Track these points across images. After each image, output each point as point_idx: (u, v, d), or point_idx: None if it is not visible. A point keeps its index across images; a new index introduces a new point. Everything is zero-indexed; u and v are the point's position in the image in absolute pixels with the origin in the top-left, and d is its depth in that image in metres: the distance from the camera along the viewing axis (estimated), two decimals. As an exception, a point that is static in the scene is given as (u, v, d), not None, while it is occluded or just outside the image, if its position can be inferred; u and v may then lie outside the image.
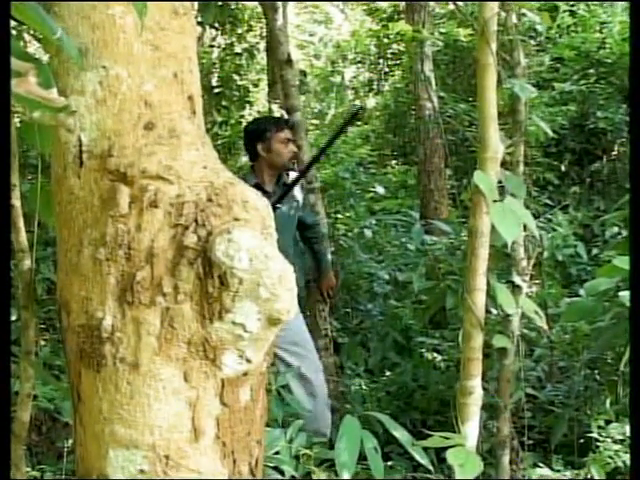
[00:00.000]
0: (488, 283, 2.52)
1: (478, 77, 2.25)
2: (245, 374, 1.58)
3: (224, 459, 1.58)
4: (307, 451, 2.93)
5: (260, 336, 1.54)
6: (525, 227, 3.79)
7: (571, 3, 11.18)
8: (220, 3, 6.81)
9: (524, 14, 4.15)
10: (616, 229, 7.35)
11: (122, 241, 1.54)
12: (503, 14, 3.98)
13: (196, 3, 6.44)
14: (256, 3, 8.71)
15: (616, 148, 9.93)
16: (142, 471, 1.55)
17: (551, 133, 4.11)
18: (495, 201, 2.22)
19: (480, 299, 2.25)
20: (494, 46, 2.16)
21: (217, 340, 1.52)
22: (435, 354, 5.81)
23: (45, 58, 1.72)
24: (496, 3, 2.18)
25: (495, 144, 2.21)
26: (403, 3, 10.45)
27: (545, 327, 2.71)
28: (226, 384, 1.56)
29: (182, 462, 1.54)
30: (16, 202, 2.14)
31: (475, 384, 2.25)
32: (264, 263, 1.48)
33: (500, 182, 3.10)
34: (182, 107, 1.67)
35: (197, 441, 1.55)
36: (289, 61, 5.37)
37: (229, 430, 1.58)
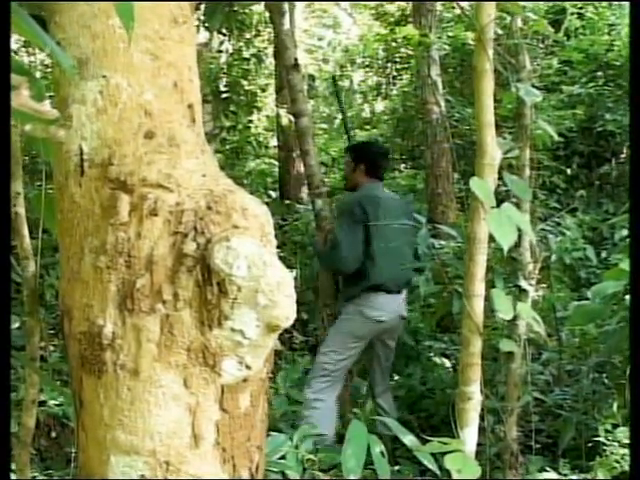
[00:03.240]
0: (493, 286, 2.52)
1: (475, 83, 2.25)
2: (245, 380, 1.59)
3: (224, 464, 1.59)
4: (311, 456, 2.94)
5: (259, 343, 1.55)
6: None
7: (579, 5, 11.17)
8: (227, 9, 6.83)
9: (529, 17, 4.13)
10: (625, 232, 7.32)
11: (122, 249, 1.55)
12: (509, 18, 3.98)
13: (201, 9, 6.46)
14: (264, 8, 8.73)
15: (625, 151, 9.91)
16: (143, 477, 1.56)
17: (557, 137, 4.11)
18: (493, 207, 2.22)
19: (479, 305, 2.25)
20: (491, 52, 2.17)
21: (216, 347, 1.53)
22: (443, 358, 5.82)
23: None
24: (493, 9, 2.18)
25: (492, 150, 2.21)
26: (410, 7, 10.47)
27: (543, 333, 2.71)
28: (226, 390, 1.57)
29: (182, 468, 1.55)
30: (20, 209, 2.16)
31: (474, 389, 2.25)
32: (262, 270, 1.49)
33: (506, 186, 3.11)
34: (182, 116, 1.68)
35: (197, 447, 1.56)
36: (296, 66, 5.39)
37: (229, 436, 1.59)
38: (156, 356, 1.53)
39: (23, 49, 9.39)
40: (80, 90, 1.63)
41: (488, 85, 2.21)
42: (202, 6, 6.71)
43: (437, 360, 5.79)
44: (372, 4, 14.13)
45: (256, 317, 1.52)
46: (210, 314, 1.52)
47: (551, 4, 11.00)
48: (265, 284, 1.49)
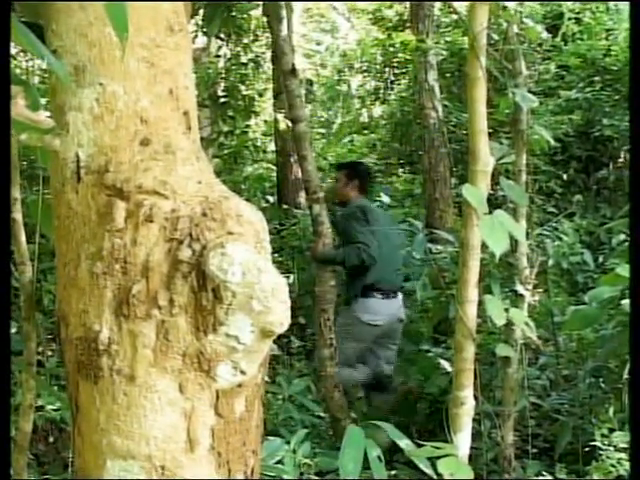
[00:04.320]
0: (490, 291, 2.52)
1: (468, 91, 2.26)
2: (240, 385, 1.60)
3: (219, 469, 1.60)
4: (308, 460, 2.95)
5: (254, 348, 1.56)
6: (528, 236, 3.80)
7: (576, 10, 11.19)
8: (225, 14, 6.83)
9: (524, 22, 4.15)
10: (623, 236, 7.33)
11: (118, 255, 1.56)
12: (505, 24, 4.00)
13: (199, 14, 6.46)
14: (261, 13, 8.74)
15: (622, 155, 9.93)
16: (139, 481, 1.57)
17: (553, 142, 4.13)
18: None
19: (472, 310, 2.26)
20: (484, 60, 2.18)
21: (211, 352, 1.54)
22: (443, 361, 5.82)
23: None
24: (486, 18, 2.19)
25: (485, 157, 2.23)
26: (408, 12, 10.49)
27: (535, 339, 2.72)
28: (221, 395, 1.58)
29: (178, 472, 1.56)
30: (17, 215, 2.17)
31: (467, 394, 2.27)
32: (257, 276, 1.50)
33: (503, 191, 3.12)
34: (177, 123, 1.69)
35: (192, 451, 1.57)
36: (293, 71, 5.39)
37: (224, 440, 1.60)
38: (152, 361, 1.54)
39: (22, 54, 9.39)
40: (77, 97, 1.64)
41: (481, 92, 2.23)
42: (200, 11, 6.72)
43: (437, 363, 5.79)
44: (370, 8, 14.16)
45: (251, 323, 1.53)
46: (205, 320, 1.53)
47: (548, 9, 11.02)
48: (259, 290, 1.50)
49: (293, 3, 9.09)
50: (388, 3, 13.29)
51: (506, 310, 2.52)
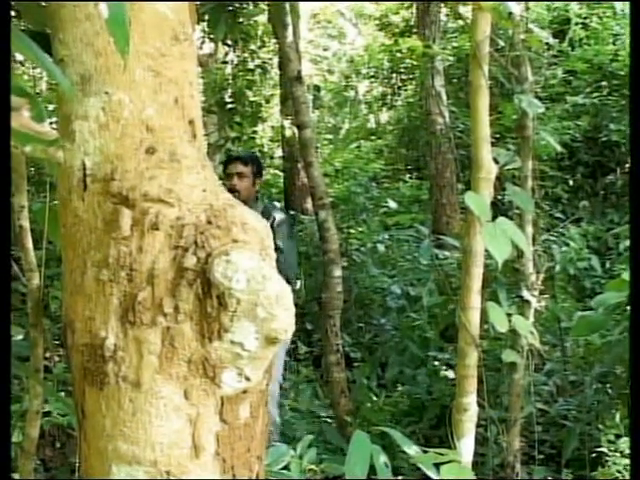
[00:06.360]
0: (496, 296, 2.52)
1: (471, 99, 2.27)
2: (244, 392, 1.61)
3: (224, 475, 1.61)
4: (314, 466, 2.95)
5: (259, 355, 1.57)
6: (534, 242, 3.81)
7: (583, 15, 11.19)
8: (230, 20, 6.86)
9: (530, 30, 4.15)
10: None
11: (124, 263, 1.58)
12: (510, 30, 4.01)
13: (205, 19, 6.48)
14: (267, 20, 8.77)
15: (629, 160, 9.92)
16: (144, 487, 1.58)
17: (559, 147, 4.13)
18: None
19: (475, 317, 2.26)
20: (487, 68, 2.19)
21: (216, 359, 1.55)
22: (447, 367, 5.83)
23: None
24: (488, 26, 2.20)
25: (488, 164, 2.23)
26: (414, 18, 10.50)
27: (539, 346, 2.73)
28: (226, 402, 1.59)
29: (183, 478, 1.57)
30: (24, 222, 2.19)
31: (470, 401, 2.27)
32: (261, 284, 1.51)
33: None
34: (183, 131, 1.70)
35: (197, 457, 1.58)
36: (299, 78, 5.42)
37: (229, 446, 1.61)
38: (157, 368, 1.56)
39: (30, 60, 9.42)
40: (83, 106, 1.65)
41: (484, 100, 2.23)
42: (206, 17, 6.74)
43: (441, 371, 5.80)
44: (377, 14, 14.19)
45: (255, 330, 1.54)
46: (210, 327, 1.54)
47: (555, 14, 11.02)
48: (264, 297, 1.51)
49: (300, 10, 9.10)
50: (395, 9, 13.32)
51: (509, 316, 2.52)
